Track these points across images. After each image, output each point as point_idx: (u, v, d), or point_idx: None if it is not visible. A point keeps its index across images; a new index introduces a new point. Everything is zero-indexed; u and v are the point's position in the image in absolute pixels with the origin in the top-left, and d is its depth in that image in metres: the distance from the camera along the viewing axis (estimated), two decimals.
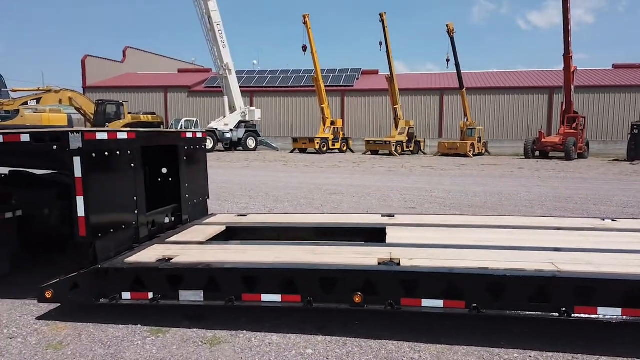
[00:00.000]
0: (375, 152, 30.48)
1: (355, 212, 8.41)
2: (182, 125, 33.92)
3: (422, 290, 3.26)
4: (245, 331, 3.53)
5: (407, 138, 30.38)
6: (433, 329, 3.48)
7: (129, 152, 4.12)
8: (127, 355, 3.17)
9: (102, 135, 3.77)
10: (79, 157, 3.59)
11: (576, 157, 26.71)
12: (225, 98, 33.63)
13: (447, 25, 29.39)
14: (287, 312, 3.77)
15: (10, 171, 5.13)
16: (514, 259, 3.50)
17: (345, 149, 32.76)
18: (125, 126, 32.78)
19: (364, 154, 30.80)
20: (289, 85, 40.77)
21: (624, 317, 3.04)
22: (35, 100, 31.72)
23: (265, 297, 3.48)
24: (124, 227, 4.09)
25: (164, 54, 56.96)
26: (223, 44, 32.26)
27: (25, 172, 5.16)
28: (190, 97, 42.93)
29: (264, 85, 41.38)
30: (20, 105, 31.20)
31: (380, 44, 29.78)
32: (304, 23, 30.78)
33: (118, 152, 3.98)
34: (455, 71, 30.58)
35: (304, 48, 31.06)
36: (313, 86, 39.04)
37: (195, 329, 3.57)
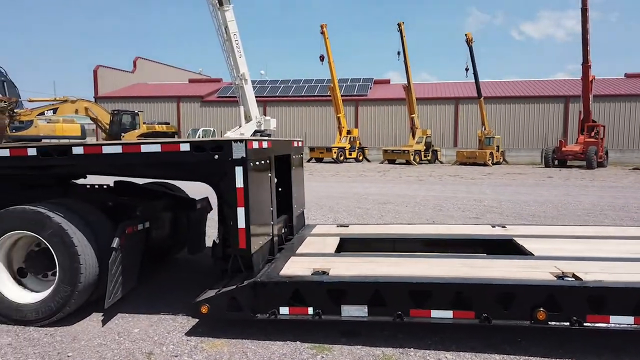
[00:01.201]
0: (392, 161, 30.40)
1: (426, 222, 8.29)
2: (199, 135, 33.85)
3: (609, 306, 3.14)
4: (412, 348, 3.41)
5: (424, 147, 30.32)
6: (619, 346, 3.36)
7: (267, 161, 4.02)
8: None
9: (255, 145, 3.67)
10: (240, 167, 3.48)
11: (596, 165, 26.64)
12: (241, 107, 33.52)
13: (465, 35, 29.47)
14: (440, 327, 3.64)
15: (115, 181, 5.02)
16: None
17: (361, 158, 32.68)
18: (140, 136, 32.75)
19: (381, 163, 30.72)
20: (302, 94, 40.75)
21: None
22: (52, 111, 31.64)
23: (435, 313, 3.36)
24: (266, 238, 3.98)
25: (173, 64, 57.08)
26: (239, 53, 32.25)
27: (130, 182, 5.05)
28: (203, 106, 42.89)
29: (277, 94, 41.37)
30: (37, 115, 31.11)
31: (399, 53, 29.83)
32: (322, 33, 30.85)
33: (262, 162, 3.88)
34: (473, 80, 30.61)
35: (322, 58, 31.09)
36: (326, 96, 39.15)
37: (358, 346, 3.45)
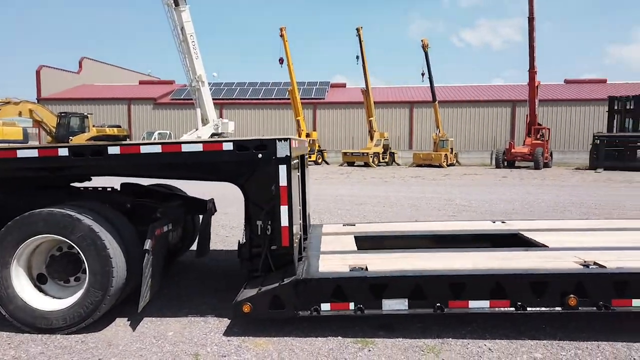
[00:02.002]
0: (351, 164, 30.84)
1: (414, 220, 8.54)
2: (155, 138, 32.90)
3: (633, 291, 3.43)
4: (450, 339, 3.56)
5: (382, 149, 30.97)
6: (634, 329, 3.65)
7: (297, 160, 4.07)
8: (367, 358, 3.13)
9: (295, 144, 3.71)
10: (284, 166, 3.51)
11: (543, 166, 28.18)
12: (198, 110, 32.90)
13: (422, 41, 30.40)
14: (471, 319, 3.83)
15: (122, 183, 4.88)
16: None
17: (320, 160, 32.94)
18: (89, 140, 31.46)
19: (341, 165, 31.10)
20: (260, 97, 40.54)
21: None
22: None
23: (473, 304, 3.53)
24: (299, 236, 4.02)
25: (120, 65, 55.11)
26: (196, 55, 31.66)
27: (137, 184, 4.92)
28: (155, 109, 41.72)
29: (234, 97, 40.92)
30: None
31: (357, 57, 30.36)
32: (281, 36, 30.88)
33: (295, 161, 3.92)
34: (427, 84, 31.61)
35: (281, 61, 31.12)
36: (284, 99, 39.19)
37: (399, 339, 3.56)
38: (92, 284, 3.62)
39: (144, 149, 3.58)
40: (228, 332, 3.69)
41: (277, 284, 3.58)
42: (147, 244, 3.75)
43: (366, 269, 3.68)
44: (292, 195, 3.56)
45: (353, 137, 38.06)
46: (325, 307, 3.57)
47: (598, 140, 27.59)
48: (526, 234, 4.86)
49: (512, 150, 28.91)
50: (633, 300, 3.44)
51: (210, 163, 3.67)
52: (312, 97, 39.59)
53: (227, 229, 8.08)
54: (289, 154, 3.52)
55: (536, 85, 29.40)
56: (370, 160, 29.48)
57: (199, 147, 3.55)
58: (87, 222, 3.61)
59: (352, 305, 3.56)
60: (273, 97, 40.37)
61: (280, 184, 3.53)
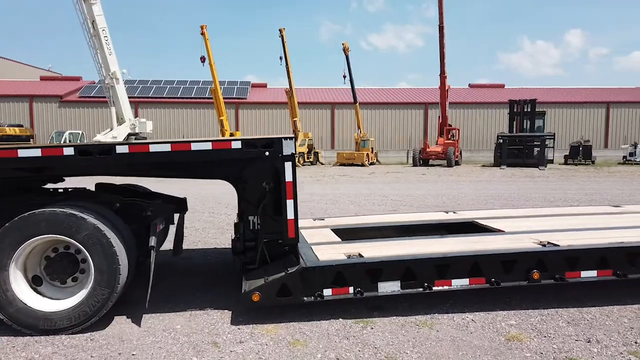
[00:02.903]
0: None
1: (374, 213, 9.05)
2: (66, 138, 30.76)
3: (581, 264, 4.13)
4: (436, 314, 4.04)
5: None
6: (579, 297, 4.37)
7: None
8: (373, 340, 3.49)
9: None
10: (290, 162, 3.78)
11: (454, 164, 30.41)
12: (112, 109, 31.27)
13: (342, 44, 31.42)
14: (447, 295, 4.34)
15: (97, 183, 4.83)
16: (618, 235, 4.54)
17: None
18: None
19: None
20: (179, 96, 39.38)
21: None
22: None
23: (455, 282, 4.04)
24: (298, 229, 4.28)
25: (16, 59, 50.62)
26: (109, 50, 30.09)
27: (110, 184, 4.89)
28: (61, 107, 38.93)
29: (150, 95, 39.34)
30: None
31: (281, 58, 30.62)
32: (202, 34, 30.28)
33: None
34: (348, 86, 32.70)
35: (202, 59, 30.50)
36: (204, 98, 38.47)
37: (393, 317, 3.97)
38: (98, 282, 3.63)
39: (152, 148, 3.65)
40: (235, 322, 3.88)
41: (283, 273, 3.83)
42: (152, 241, 3.83)
43: (360, 256, 4.05)
44: (296, 190, 3.84)
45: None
46: (327, 292, 3.89)
47: (501, 140, 30.27)
48: (480, 221, 5.52)
49: (427, 150, 30.82)
50: (582, 272, 4.14)
51: (225, 160, 3.84)
52: (234, 96, 39.26)
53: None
54: (293, 152, 3.79)
55: (446, 89, 31.65)
56: (296, 160, 29.89)
57: (208, 146, 3.70)
58: (92, 221, 3.61)
59: (351, 290, 3.92)
60: (193, 95, 39.43)
61: (286, 180, 3.80)
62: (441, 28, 30.30)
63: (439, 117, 32.63)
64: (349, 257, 4.06)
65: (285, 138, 3.77)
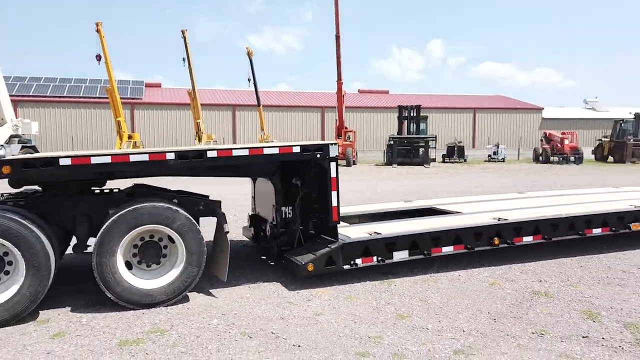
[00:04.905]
0: None
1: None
2: None
3: (523, 232, 5.86)
4: (432, 273, 5.47)
5: None
6: (525, 253, 6.09)
7: None
8: (403, 291, 4.79)
9: None
10: (334, 162, 4.92)
11: (352, 164, 32.87)
12: None
13: (246, 48, 32.14)
14: (430, 260, 5.80)
15: (135, 184, 5.49)
16: (539, 212, 6.38)
17: None
18: None
19: None
20: (65, 95, 36.75)
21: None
22: None
23: (444, 249, 5.51)
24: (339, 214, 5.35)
25: None
26: None
27: (146, 185, 5.59)
28: None
29: (30, 94, 36.16)
30: None
31: (184, 59, 30.40)
32: (97, 31, 28.96)
33: None
34: (251, 88, 33.54)
35: (98, 57, 29.16)
36: (94, 97, 36.48)
37: (405, 277, 5.31)
38: (189, 262, 4.44)
39: (235, 152, 4.55)
40: (290, 289, 4.91)
41: (328, 248, 4.96)
42: (226, 227, 4.72)
43: (380, 234, 5.33)
44: (339, 184, 4.99)
45: (177, 138, 37.68)
46: (359, 261, 5.11)
47: (392, 141, 33.42)
48: (439, 207, 7.10)
49: None
50: (524, 237, 5.86)
51: (288, 162, 4.90)
52: (129, 96, 37.74)
53: None
54: (337, 154, 4.93)
55: (343, 94, 34.07)
56: None
57: (276, 150, 4.70)
58: (183, 213, 4.42)
59: (375, 259, 5.18)
60: (81, 95, 37.11)
61: (332, 176, 4.93)
62: (337, 37, 32.45)
63: (336, 120, 34.91)
64: (370, 234, 5.31)
65: (332, 144, 4.90)
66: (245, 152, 4.61)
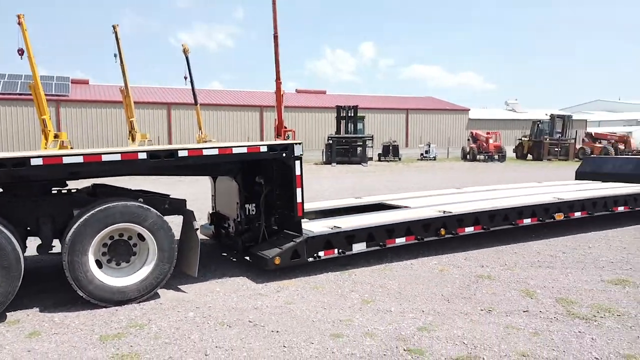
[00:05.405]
0: None
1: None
2: None
3: (465, 224, 6.45)
4: (386, 263, 5.90)
5: None
6: (467, 242, 6.68)
7: None
8: (364, 280, 5.17)
9: None
10: (299, 161, 5.19)
11: None
12: None
13: (182, 46, 31.42)
14: (385, 251, 6.24)
15: (93, 184, 5.49)
16: (479, 205, 7.02)
17: None
18: None
19: None
20: None
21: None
22: None
23: (398, 240, 5.96)
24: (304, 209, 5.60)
25: None
26: None
27: (106, 185, 5.60)
28: None
29: None
30: None
31: (115, 56, 29.22)
32: (19, 24, 27.18)
33: None
34: (187, 87, 32.85)
35: (21, 52, 27.37)
36: (14, 93, 34.20)
37: (363, 268, 5.69)
38: (161, 259, 4.55)
39: (205, 152, 4.70)
40: (258, 282, 5.14)
41: (293, 243, 5.24)
42: (196, 224, 4.87)
43: (341, 228, 5.68)
44: (302, 181, 5.27)
45: (107, 137, 36.13)
46: (321, 254, 5.43)
47: (331, 141, 34.10)
48: (388, 202, 7.58)
49: None
50: (466, 228, 6.45)
51: (254, 161, 5.10)
52: (53, 93, 35.68)
53: None
54: (301, 153, 5.21)
55: (282, 93, 34.27)
56: None
57: (244, 150, 4.91)
58: (154, 211, 4.52)
59: (336, 251, 5.52)
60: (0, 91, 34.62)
61: (297, 174, 5.21)
62: (275, 37, 32.56)
63: (276, 119, 35.05)
64: (331, 228, 5.65)
65: (296, 144, 5.17)
66: (215, 152, 4.78)
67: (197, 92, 36.66)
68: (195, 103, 32.90)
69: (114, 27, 29.33)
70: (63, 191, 5.12)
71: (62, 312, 4.25)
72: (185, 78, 31.78)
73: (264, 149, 5.06)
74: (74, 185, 5.30)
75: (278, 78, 33.71)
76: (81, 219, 4.23)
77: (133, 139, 31.10)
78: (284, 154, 5.16)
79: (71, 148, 30.71)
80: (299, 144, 5.23)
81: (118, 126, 36.04)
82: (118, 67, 29.53)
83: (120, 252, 4.54)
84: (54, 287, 4.87)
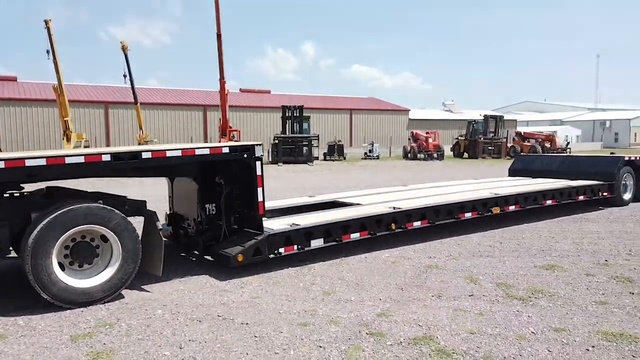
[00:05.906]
0: None
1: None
2: None
3: (413, 219, 6.90)
4: (342, 257, 6.22)
5: None
6: (414, 235, 7.13)
7: None
8: (322, 273, 5.46)
9: None
10: (259, 162, 5.38)
11: None
12: None
13: (121, 43, 30.38)
14: (341, 246, 6.57)
15: (47, 187, 5.44)
16: (426, 201, 7.51)
17: None
18: None
19: None
20: None
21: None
22: None
23: (353, 235, 6.29)
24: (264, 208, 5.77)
25: None
26: None
27: (60, 187, 5.57)
28: None
29: None
30: None
31: (48, 52, 27.82)
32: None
33: None
34: (125, 85, 31.84)
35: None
36: None
37: (322, 262, 5.98)
38: (125, 259, 4.61)
39: (169, 153, 4.79)
40: (221, 279, 5.29)
41: (255, 240, 5.43)
42: (159, 225, 4.95)
43: (299, 225, 5.93)
44: (264, 181, 5.47)
45: (38, 137, 34.27)
46: (282, 250, 5.66)
47: (277, 140, 34.22)
48: (341, 200, 7.92)
49: None
50: (414, 222, 6.91)
51: (216, 162, 5.22)
52: None
53: None
54: (261, 154, 5.40)
55: (226, 93, 33.97)
56: None
57: (207, 151, 5.04)
58: (118, 212, 4.57)
59: (296, 247, 5.77)
60: None
61: (258, 174, 5.40)
62: (219, 36, 32.25)
63: (220, 119, 34.68)
64: (290, 225, 5.89)
65: (257, 145, 5.37)
66: (178, 153, 4.88)
67: (138, 90, 35.71)
68: (136, 102, 31.99)
69: (46, 21, 27.98)
70: (15, 194, 5.03)
71: (25, 315, 4.22)
72: (125, 76, 30.83)
73: (226, 150, 5.23)
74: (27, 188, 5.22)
75: (222, 77, 33.35)
76: (44, 222, 4.21)
77: (68, 140, 29.78)
78: (245, 155, 5.34)
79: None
80: (260, 145, 5.44)
81: (52, 126, 34.32)
82: (48, 64, 28.07)
83: (82, 254, 4.55)
84: (12, 292, 4.80)
